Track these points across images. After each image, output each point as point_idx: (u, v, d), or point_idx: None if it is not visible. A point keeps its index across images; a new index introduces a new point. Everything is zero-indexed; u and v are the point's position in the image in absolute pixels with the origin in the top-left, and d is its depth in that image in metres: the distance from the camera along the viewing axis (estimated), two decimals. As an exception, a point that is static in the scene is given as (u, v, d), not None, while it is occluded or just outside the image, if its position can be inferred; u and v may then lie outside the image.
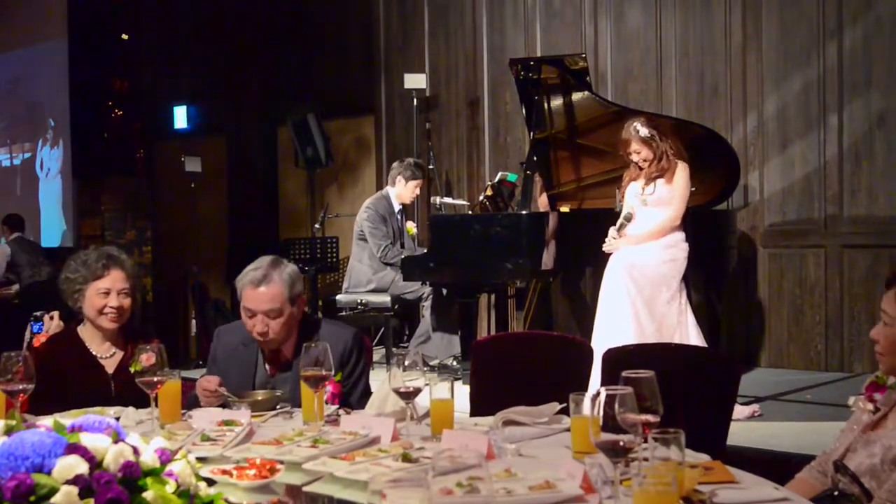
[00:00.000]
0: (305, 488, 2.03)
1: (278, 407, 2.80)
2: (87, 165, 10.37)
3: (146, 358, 2.50)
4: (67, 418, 1.68)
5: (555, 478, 1.86)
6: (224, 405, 2.78)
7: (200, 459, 1.98)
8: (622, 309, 4.72)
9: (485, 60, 7.90)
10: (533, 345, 3.43)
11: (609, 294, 4.81)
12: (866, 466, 2.10)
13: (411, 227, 6.95)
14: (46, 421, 1.67)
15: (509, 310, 6.38)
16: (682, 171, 4.91)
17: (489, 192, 6.27)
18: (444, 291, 6.20)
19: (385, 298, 6.40)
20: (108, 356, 3.16)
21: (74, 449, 1.50)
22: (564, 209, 5.90)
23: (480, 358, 3.31)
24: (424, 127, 8.12)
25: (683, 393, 2.48)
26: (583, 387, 2.86)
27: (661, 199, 4.89)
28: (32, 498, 1.42)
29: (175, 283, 9.56)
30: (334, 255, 7.58)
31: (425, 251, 5.99)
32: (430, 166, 7.86)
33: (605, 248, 4.92)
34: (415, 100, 8.02)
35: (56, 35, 10.57)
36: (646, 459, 1.71)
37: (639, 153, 4.92)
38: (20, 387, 2.36)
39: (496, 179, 6.38)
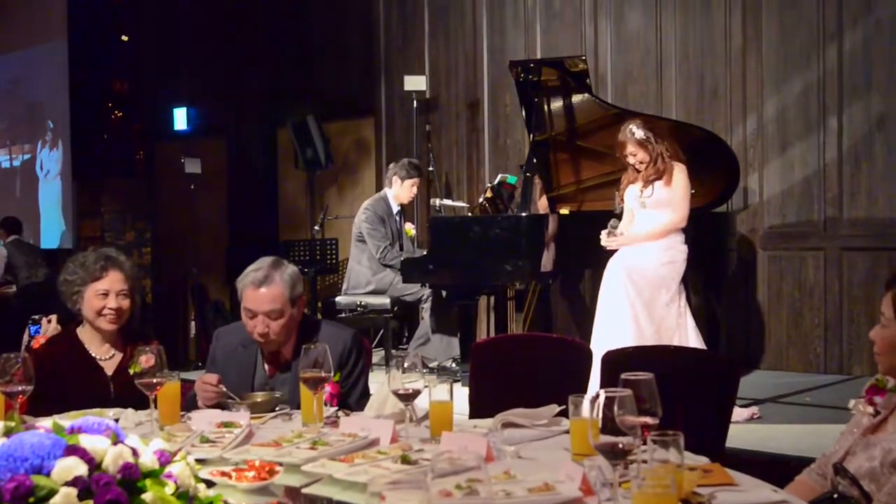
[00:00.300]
0: (304, 490, 2.03)
1: (277, 408, 2.80)
2: (87, 167, 10.34)
3: (145, 359, 2.50)
4: (66, 420, 1.68)
5: (554, 480, 1.86)
6: (223, 406, 2.78)
7: (199, 461, 1.98)
8: (621, 311, 4.72)
9: (485, 62, 7.90)
10: (532, 347, 3.43)
11: (608, 296, 4.81)
12: (866, 469, 2.10)
13: (410, 228, 6.94)
14: (45, 422, 1.67)
15: (509, 312, 6.38)
16: (679, 173, 4.91)
17: (489, 194, 6.27)
18: (444, 293, 6.19)
19: (384, 300, 6.40)
20: (107, 358, 3.15)
21: (73, 450, 1.51)
22: (564, 211, 5.90)
23: (480, 360, 3.32)
24: (424, 129, 8.12)
25: (682, 395, 2.48)
26: (582, 389, 2.85)
27: (660, 202, 4.89)
28: (31, 499, 1.42)
29: (175, 284, 9.55)
30: (334, 256, 7.58)
31: (424, 253, 5.99)
32: (430, 168, 7.86)
33: (604, 242, 4.91)
34: (415, 101, 8.02)
35: (56, 36, 10.55)
36: (645, 462, 1.71)
37: (635, 155, 4.92)
38: (19, 388, 2.37)
39: (496, 181, 6.38)
